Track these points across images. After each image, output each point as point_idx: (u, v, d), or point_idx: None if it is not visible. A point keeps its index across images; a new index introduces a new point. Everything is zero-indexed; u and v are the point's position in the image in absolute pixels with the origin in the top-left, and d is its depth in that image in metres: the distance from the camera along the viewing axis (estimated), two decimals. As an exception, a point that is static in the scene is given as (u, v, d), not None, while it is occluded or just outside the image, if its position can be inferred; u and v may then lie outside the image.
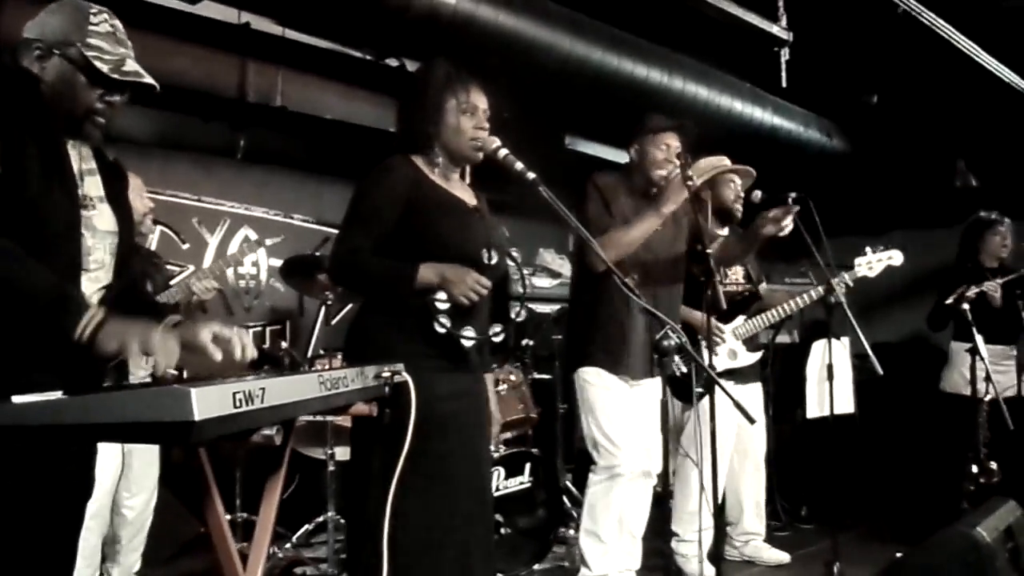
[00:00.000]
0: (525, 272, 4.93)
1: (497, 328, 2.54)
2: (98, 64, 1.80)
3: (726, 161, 4.12)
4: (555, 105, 5.00)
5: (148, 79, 1.86)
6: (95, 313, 1.64)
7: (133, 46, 1.92)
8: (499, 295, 2.65)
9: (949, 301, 4.67)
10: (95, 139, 1.91)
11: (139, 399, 1.40)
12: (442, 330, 2.40)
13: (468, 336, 2.45)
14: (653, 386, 3.59)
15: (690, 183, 3.20)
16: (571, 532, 4.27)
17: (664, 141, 3.51)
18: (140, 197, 3.42)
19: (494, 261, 2.47)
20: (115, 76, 1.82)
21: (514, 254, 2.57)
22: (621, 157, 3.99)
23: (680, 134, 3.54)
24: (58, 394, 1.47)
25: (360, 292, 2.66)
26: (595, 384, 3.49)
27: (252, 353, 1.86)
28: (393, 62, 4.98)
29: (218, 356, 1.79)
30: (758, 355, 4.22)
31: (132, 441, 2.12)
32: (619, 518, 3.52)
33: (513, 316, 2.66)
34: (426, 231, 2.46)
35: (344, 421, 4.04)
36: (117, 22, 1.90)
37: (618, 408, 3.48)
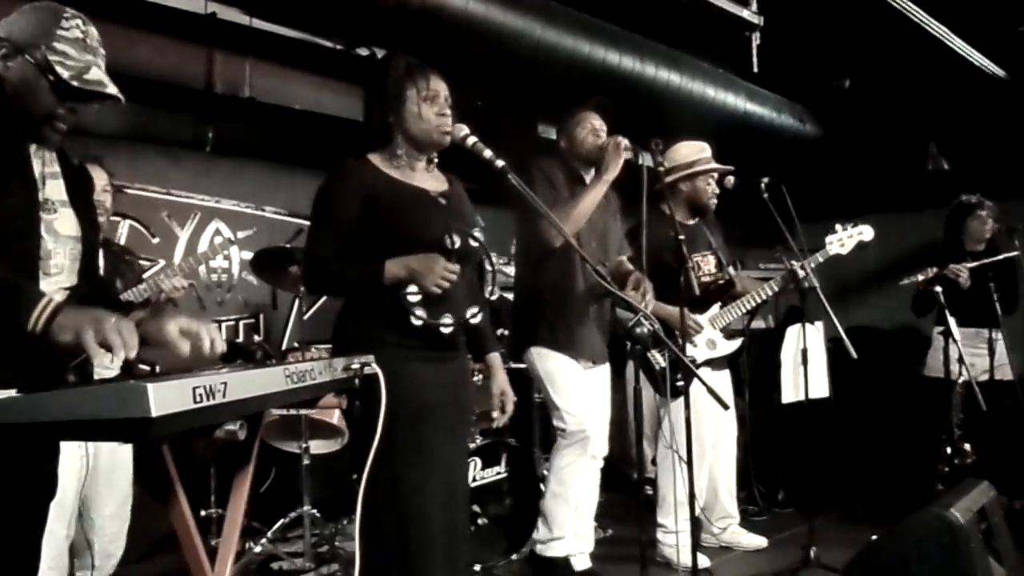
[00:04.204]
0: (500, 261, 4.91)
1: (474, 309, 2.56)
2: (60, 69, 1.77)
3: (707, 152, 4.15)
4: (527, 93, 4.97)
5: (111, 89, 1.83)
6: (47, 303, 1.59)
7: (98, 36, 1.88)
8: (478, 276, 2.69)
9: (905, 282, 4.70)
10: (53, 144, 1.88)
11: (95, 395, 1.36)
12: (418, 322, 2.43)
13: (446, 323, 2.48)
14: (603, 372, 3.74)
15: (661, 167, 3.27)
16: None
17: (587, 120, 3.71)
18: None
19: (457, 245, 2.46)
20: (75, 83, 1.78)
21: (476, 234, 2.55)
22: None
23: (598, 111, 3.73)
24: (12, 392, 1.43)
25: (336, 296, 2.68)
26: (547, 356, 3.59)
27: (221, 347, 1.83)
28: (363, 51, 4.92)
29: (185, 349, 1.76)
30: (737, 343, 4.22)
31: (90, 439, 2.09)
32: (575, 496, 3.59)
33: (487, 295, 2.65)
34: (388, 226, 2.46)
35: (319, 415, 4.02)
36: (91, 28, 1.86)
37: (572, 378, 3.57)
